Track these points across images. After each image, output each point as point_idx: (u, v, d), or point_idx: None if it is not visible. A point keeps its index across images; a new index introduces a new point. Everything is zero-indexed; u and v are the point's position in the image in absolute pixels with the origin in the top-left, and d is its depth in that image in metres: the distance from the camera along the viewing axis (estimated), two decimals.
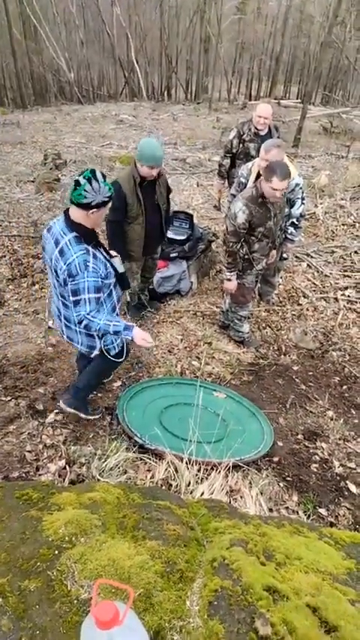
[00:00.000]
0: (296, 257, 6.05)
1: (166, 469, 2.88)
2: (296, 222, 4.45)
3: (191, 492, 2.71)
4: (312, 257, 6.03)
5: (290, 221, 4.44)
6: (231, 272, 4.13)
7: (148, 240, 4.20)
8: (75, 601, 1.36)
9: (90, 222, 2.67)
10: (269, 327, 4.97)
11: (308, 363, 4.55)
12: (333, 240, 6.49)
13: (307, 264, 5.91)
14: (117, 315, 3.02)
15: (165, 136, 12.83)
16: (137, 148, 3.88)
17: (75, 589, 1.39)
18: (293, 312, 5.20)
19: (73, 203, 2.61)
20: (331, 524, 2.98)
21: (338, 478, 3.37)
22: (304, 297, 5.43)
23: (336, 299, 5.37)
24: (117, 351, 3.07)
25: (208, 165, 9.87)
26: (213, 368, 4.26)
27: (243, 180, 4.40)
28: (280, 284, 5.45)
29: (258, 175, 4.22)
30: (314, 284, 5.66)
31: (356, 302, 5.36)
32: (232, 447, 3.15)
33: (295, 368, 4.47)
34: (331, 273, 5.79)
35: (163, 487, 2.74)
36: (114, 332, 2.70)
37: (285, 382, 4.26)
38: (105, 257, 2.79)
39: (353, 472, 3.44)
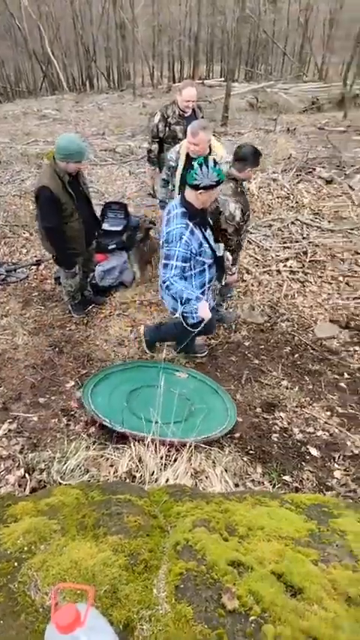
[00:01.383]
0: None
1: (128, 462, 2.86)
2: None
3: (156, 480, 2.71)
4: (251, 233, 6.10)
5: None
6: (235, 266, 4.05)
7: (86, 232, 4.17)
8: (40, 609, 1.33)
9: (199, 203, 3.12)
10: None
11: (259, 337, 4.62)
12: (270, 213, 6.58)
13: (248, 241, 5.97)
14: (204, 292, 3.42)
15: (92, 127, 12.58)
16: (58, 146, 3.76)
17: (39, 597, 1.36)
18: (239, 290, 5.25)
19: (187, 184, 3.07)
20: (297, 490, 3.06)
21: (299, 444, 3.46)
22: (248, 273, 5.50)
23: (278, 271, 5.46)
24: (194, 321, 3.43)
25: (139, 152, 9.76)
26: (167, 354, 4.26)
27: (172, 164, 4.38)
28: None
29: (187, 157, 4.21)
30: (256, 259, 5.74)
31: (298, 272, 5.48)
32: (198, 426, 3.18)
33: (247, 343, 4.54)
34: (271, 247, 5.88)
35: (127, 480, 2.72)
36: (186, 298, 3.12)
37: (238, 359, 4.31)
38: (204, 236, 3.21)
39: (312, 436, 3.54)
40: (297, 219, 6.27)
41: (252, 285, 5.29)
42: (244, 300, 5.08)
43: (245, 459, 3.25)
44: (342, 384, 4.09)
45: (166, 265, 3.15)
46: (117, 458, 2.91)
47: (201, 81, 22.99)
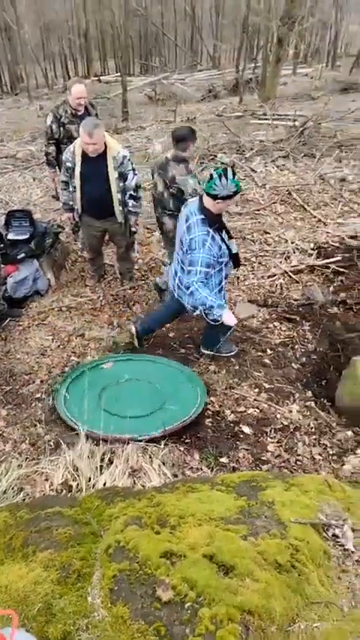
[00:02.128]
0: (147, 228, 6.11)
1: (64, 472, 2.80)
2: (134, 194, 4.47)
3: (93, 486, 2.67)
4: None
5: (128, 194, 4.44)
6: None
7: None
8: None
9: (215, 209, 3.28)
10: (138, 303, 4.99)
11: (183, 327, 4.66)
12: None
13: (160, 233, 5.99)
14: (222, 288, 3.66)
15: None
16: None
17: None
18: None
19: (205, 192, 3.21)
20: (234, 469, 3.13)
21: (232, 425, 3.54)
22: (164, 264, 5.52)
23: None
24: (214, 317, 3.50)
25: (41, 156, 9.49)
26: (93, 357, 4.20)
27: (69, 165, 4.29)
28: (137, 258, 5.48)
29: (84, 155, 4.15)
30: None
31: None
32: (171, 413, 3.35)
33: (172, 335, 4.56)
34: None
35: (64, 491, 2.67)
36: (209, 306, 3.33)
37: (164, 351, 4.33)
38: (222, 239, 3.37)
39: (244, 415, 3.63)
40: None
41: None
42: (164, 293, 5.10)
43: (182, 448, 3.27)
44: (266, 360, 4.22)
45: (190, 271, 3.34)
46: (51, 471, 2.84)
47: (97, 78, 22.73)
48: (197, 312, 3.60)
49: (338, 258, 5.37)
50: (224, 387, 3.89)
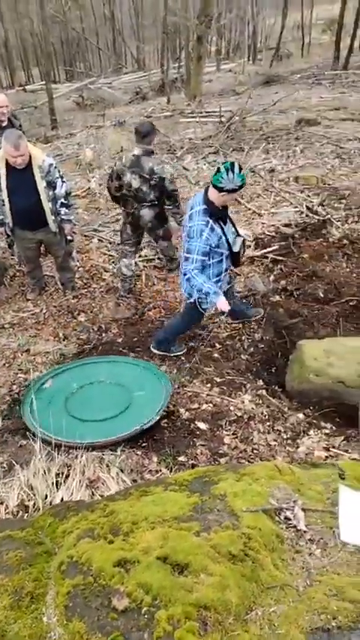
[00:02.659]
0: (84, 236, 6.04)
1: (19, 493, 2.73)
2: (65, 202, 4.42)
3: (50, 503, 2.62)
4: (100, 231, 6.08)
5: (59, 202, 4.39)
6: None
7: None
8: None
9: (219, 202, 3.41)
10: (83, 312, 4.93)
11: (130, 331, 4.64)
12: (115, 209, 6.59)
13: (98, 239, 5.95)
14: (220, 280, 3.76)
15: None
16: None
17: None
18: (101, 290, 5.22)
19: (212, 184, 3.32)
20: (193, 466, 3.15)
21: (187, 422, 3.55)
22: (106, 271, 5.49)
23: (135, 262, 5.51)
24: (207, 306, 3.80)
25: None
26: (40, 372, 4.11)
27: None
28: (77, 267, 5.41)
29: (7, 165, 4.06)
30: (111, 256, 5.74)
31: (154, 259, 5.58)
32: (139, 414, 3.43)
33: (120, 340, 4.54)
34: None
35: (20, 513, 2.60)
36: (205, 292, 3.53)
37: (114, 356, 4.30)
38: (223, 231, 3.51)
39: (198, 411, 3.66)
40: None
41: (113, 282, 5.28)
42: (108, 299, 5.06)
43: (139, 452, 3.26)
44: (215, 355, 4.27)
45: (187, 259, 3.50)
46: (5, 493, 2.76)
47: (22, 87, 22.28)
48: (192, 299, 3.78)
49: (275, 247, 5.50)
50: (177, 385, 3.90)
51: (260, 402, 3.78)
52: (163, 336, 4.20)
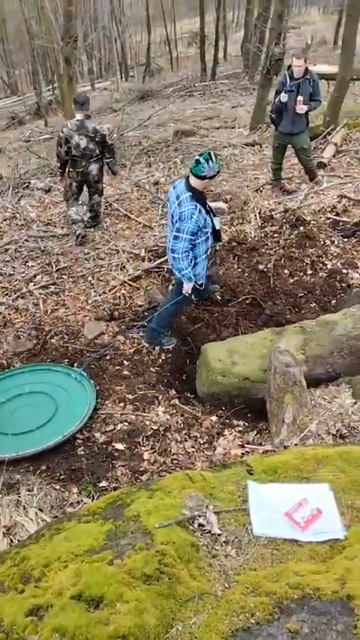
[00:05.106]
0: None
1: None
2: None
3: None
4: None
5: None
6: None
7: None
8: None
9: (201, 188, 3.94)
10: None
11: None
12: (2, 238, 6.37)
13: None
14: (207, 256, 4.32)
15: None
16: None
17: None
18: None
19: (193, 174, 3.80)
20: (115, 489, 3.10)
21: (104, 446, 3.49)
22: (1, 305, 5.26)
23: (30, 292, 5.36)
24: (201, 282, 4.26)
25: None
26: None
27: None
28: None
29: None
30: (5, 288, 5.52)
31: (49, 285, 5.45)
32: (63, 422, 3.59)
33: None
34: (15, 270, 5.72)
35: None
36: (183, 274, 4.01)
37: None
38: (207, 213, 3.99)
39: (114, 432, 3.61)
40: (30, 236, 6.21)
41: (9, 315, 5.08)
42: (6, 333, 4.86)
43: (58, 486, 3.15)
44: (125, 372, 4.25)
45: (177, 237, 3.91)
46: None
47: None
48: (178, 275, 4.15)
49: None
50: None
51: (174, 411, 3.81)
52: (155, 327, 4.47)
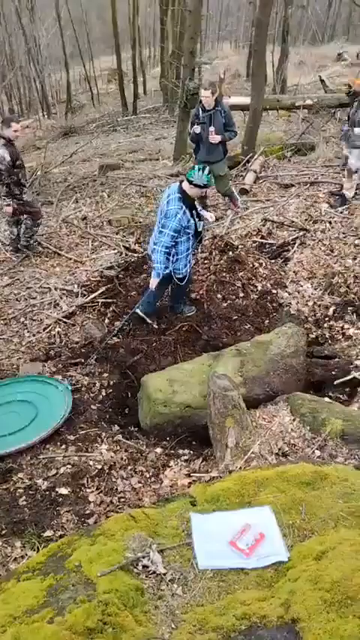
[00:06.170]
0: None
1: None
2: None
3: None
4: None
5: None
6: None
7: None
8: None
9: (190, 193, 4.33)
10: None
11: None
12: None
13: None
14: (189, 254, 4.72)
15: None
16: None
17: None
18: None
19: (186, 178, 4.27)
20: (61, 536, 2.97)
21: (47, 492, 3.35)
22: None
23: None
24: (181, 277, 4.73)
25: None
26: None
27: None
28: None
29: None
30: None
31: None
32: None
33: None
34: None
35: None
36: (154, 265, 4.50)
37: None
38: (192, 215, 4.41)
39: (57, 476, 3.47)
40: None
41: None
42: None
43: (0, 543, 2.98)
44: None
45: (161, 232, 4.36)
46: None
47: None
48: (167, 270, 4.54)
49: (102, 290, 5.57)
50: (29, 457, 3.67)
51: (118, 447, 3.74)
52: (174, 304, 5.08)
